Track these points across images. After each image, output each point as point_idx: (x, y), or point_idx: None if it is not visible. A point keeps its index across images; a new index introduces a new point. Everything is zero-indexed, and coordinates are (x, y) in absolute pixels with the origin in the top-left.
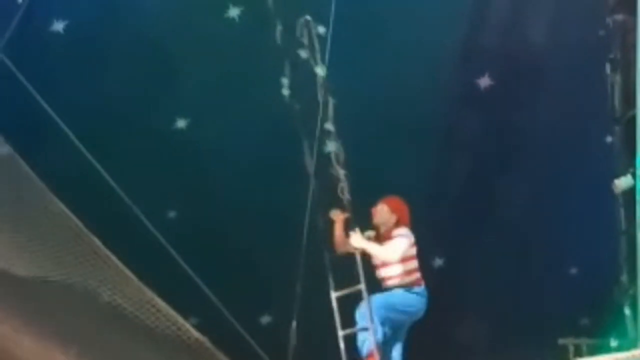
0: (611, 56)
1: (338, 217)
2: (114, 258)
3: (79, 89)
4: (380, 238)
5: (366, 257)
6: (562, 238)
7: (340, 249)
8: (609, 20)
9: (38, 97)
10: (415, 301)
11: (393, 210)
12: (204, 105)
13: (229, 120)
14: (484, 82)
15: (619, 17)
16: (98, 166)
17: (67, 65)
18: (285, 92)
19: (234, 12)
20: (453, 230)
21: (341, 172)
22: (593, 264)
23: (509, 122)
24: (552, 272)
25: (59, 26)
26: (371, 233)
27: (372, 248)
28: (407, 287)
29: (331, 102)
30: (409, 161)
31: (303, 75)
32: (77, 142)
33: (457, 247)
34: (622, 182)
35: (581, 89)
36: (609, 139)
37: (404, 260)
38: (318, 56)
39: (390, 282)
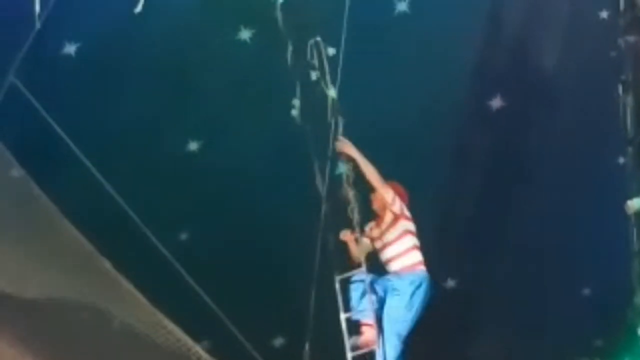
0: (623, 77)
1: (349, 238)
2: (125, 280)
3: (90, 112)
4: (381, 223)
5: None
6: (575, 259)
7: (360, 260)
8: (620, 41)
9: (50, 120)
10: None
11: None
12: (216, 128)
13: (241, 142)
14: (496, 103)
15: (631, 38)
16: (110, 188)
17: (78, 88)
18: (296, 113)
19: (245, 34)
20: (466, 251)
21: (351, 193)
22: (606, 285)
23: (521, 143)
24: (565, 293)
25: (70, 49)
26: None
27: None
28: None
29: (341, 122)
30: (420, 181)
31: (314, 97)
32: (89, 164)
33: (470, 268)
34: (635, 203)
35: (593, 110)
36: (621, 160)
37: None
38: (328, 78)
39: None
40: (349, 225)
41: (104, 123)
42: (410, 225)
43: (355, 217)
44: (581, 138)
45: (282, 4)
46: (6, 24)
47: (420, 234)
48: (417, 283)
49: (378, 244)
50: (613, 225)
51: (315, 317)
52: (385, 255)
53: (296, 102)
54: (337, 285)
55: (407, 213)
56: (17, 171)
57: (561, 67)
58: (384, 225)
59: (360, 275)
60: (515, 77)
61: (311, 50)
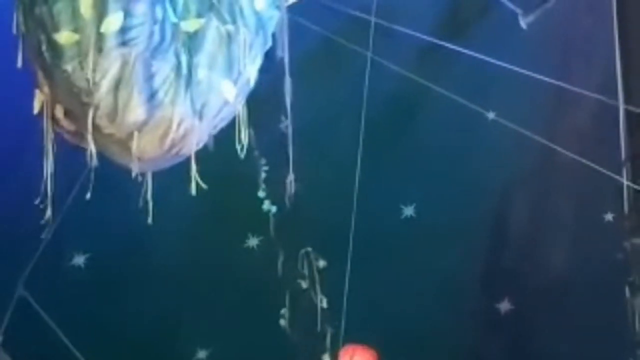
0: (630, 280)
1: None
2: None
3: (99, 323)
4: None
5: None
6: None
7: None
8: (626, 244)
9: (60, 333)
10: None
11: None
12: (225, 335)
13: (251, 349)
14: (504, 306)
15: (637, 241)
16: None
17: (87, 299)
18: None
19: (253, 241)
20: None
21: None
22: None
23: (529, 347)
24: None
25: (79, 260)
26: None
27: None
28: None
29: (329, 332)
30: None
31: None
32: None
33: None
34: None
35: (601, 313)
36: None
37: None
38: (318, 288)
39: None
40: None
41: (114, 335)
42: None
43: None
44: (590, 341)
45: (275, 214)
46: (15, 236)
47: None
48: None
49: None
50: None
51: None
52: None
53: (285, 311)
54: None
55: None
56: None
57: (568, 270)
58: None
59: None
60: (523, 280)
61: (301, 261)
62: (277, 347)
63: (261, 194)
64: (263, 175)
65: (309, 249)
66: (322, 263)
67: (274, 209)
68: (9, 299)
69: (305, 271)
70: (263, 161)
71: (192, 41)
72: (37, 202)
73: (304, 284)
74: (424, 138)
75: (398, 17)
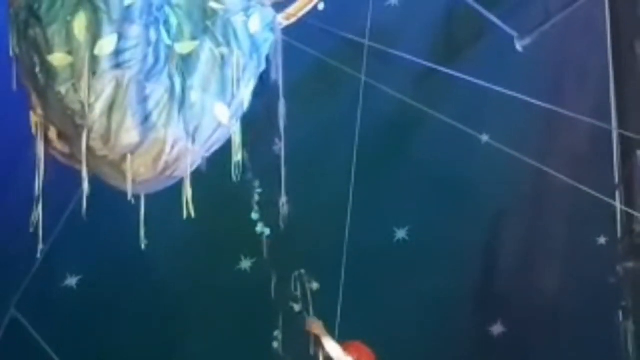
0: (623, 304)
1: None
2: None
3: (90, 344)
4: None
5: None
6: None
7: None
8: (619, 268)
9: (52, 354)
10: None
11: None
12: (218, 357)
13: None
14: (497, 329)
15: (629, 264)
16: None
17: (79, 320)
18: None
19: (245, 264)
20: None
21: None
22: None
23: None
24: None
25: (72, 281)
26: None
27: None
28: None
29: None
30: None
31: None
32: None
33: None
34: None
35: (594, 336)
36: None
37: None
38: (311, 310)
39: None
40: None
41: (106, 356)
42: None
43: None
44: None
45: (268, 237)
46: (8, 257)
47: None
48: None
49: None
50: None
51: None
52: None
53: (278, 333)
54: None
55: None
56: None
57: (561, 293)
58: None
59: None
60: (515, 303)
61: (295, 283)
62: None
63: (254, 216)
64: (256, 197)
65: (302, 271)
66: (315, 285)
67: (267, 231)
68: (1, 320)
69: (298, 293)
70: (256, 183)
71: (186, 63)
72: (30, 219)
73: (297, 307)
74: (418, 161)
75: (392, 40)
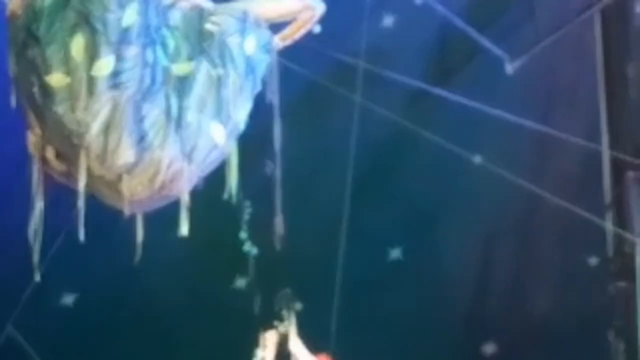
0: (614, 323)
1: None
2: None
3: None
4: None
5: None
6: None
7: None
8: (611, 287)
9: None
10: None
11: None
12: None
13: None
14: (490, 349)
15: (622, 284)
16: None
17: (76, 338)
18: None
19: (240, 282)
20: None
21: None
22: None
23: None
24: None
25: (69, 299)
26: None
27: None
28: None
29: None
30: None
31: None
32: None
33: None
34: None
35: (585, 356)
36: None
37: None
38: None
39: None
40: None
41: None
42: None
43: None
44: None
45: (255, 256)
46: (4, 276)
47: None
48: None
49: None
50: None
51: None
52: None
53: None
54: None
55: None
56: None
57: (553, 313)
58: None
59: None
60: (507, 323)
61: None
62: None
63: (242, 235)
64: (246, 217)
65: (287, 290)
66: (298, 305)
67: (254, 250)
68: None
69: (284, 312)
70: (247, 203)
71: (183, 84)
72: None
73: (281, 326)
74: (411, 181)
75: (386, 62)
